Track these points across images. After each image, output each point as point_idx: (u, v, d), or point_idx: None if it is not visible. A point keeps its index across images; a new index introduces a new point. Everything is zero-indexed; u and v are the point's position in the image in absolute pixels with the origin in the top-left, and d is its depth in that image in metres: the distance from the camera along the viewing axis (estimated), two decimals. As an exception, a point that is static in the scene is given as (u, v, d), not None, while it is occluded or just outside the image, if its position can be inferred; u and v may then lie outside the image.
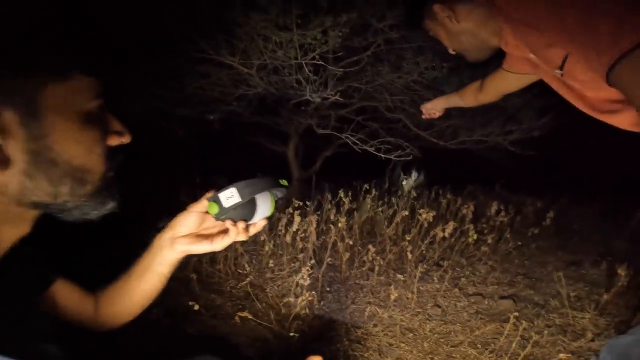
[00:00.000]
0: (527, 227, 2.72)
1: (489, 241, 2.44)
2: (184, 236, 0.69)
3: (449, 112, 2.66)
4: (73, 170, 0.46)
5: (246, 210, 0.67)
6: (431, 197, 3.12)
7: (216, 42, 1.46)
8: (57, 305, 0.68)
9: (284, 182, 0.71)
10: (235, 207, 0.64)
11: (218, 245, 0.69)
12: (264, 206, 0.69)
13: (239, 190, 0.64)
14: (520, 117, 2.52)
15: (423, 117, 1.74)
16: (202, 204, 0.69)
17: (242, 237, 0.68)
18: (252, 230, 0.70)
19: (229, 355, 1.03)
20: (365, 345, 1.52)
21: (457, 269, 2.29)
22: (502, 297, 1.96)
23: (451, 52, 1.12)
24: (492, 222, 2.71)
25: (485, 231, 2.56)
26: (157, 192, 2.42)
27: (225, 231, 0.69)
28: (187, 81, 1.78)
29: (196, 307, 1.44)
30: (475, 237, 2.38)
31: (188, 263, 1.81)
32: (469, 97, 1.50)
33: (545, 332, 1.63)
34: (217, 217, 0.66)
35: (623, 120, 0.80)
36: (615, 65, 0.62)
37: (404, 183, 2.72)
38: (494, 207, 2.74)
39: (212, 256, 1.94)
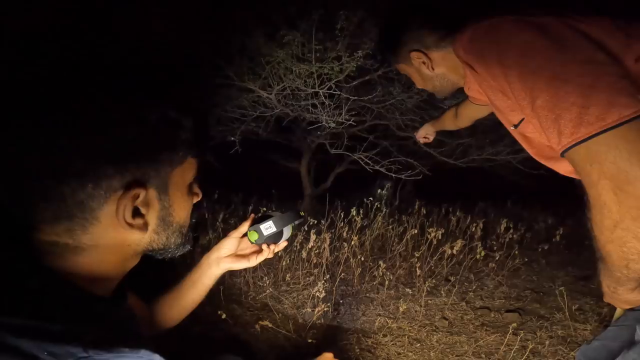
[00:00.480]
0: (537, 243, 2.77)
1: (497, 257, 2.50)
2: (226, 256, 0.88)
3: (459, 132, 2.77)
4: (180, 227, 0.61)
5: (277, 236, 0.88)
6: (441, 215, 3.20)
7: (240, 69, 1.62)
8: None
9: (302, 213, 0.95)
10: (271, 235, 0.85)
11: (253, 262, 0.89)
12: (287, 232, 0.91)
13: (275, 223, 0.86)
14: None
15: (419, 142, 1.78)
16: (239, 231, 0.89)
17: (270, 256, 0.89)
18: (277, 250, 0.92)
19: (251, 359, 1.13)
20: (374, 353, 1.60)
21: (465, 283, 2.34)
22: (508, 311, 2.01)
23: (419, 87, 1.16)
24: (501, 240, 2.77)
25: (495, 248, 2.62)
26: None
27: (258, 251, 0.90)
28: (211, 103, 1.94)
29: (223, 316, 1.54)
30: (482, 254, 2.45)
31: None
32: (448, 123, 1.54)
33: (547, 342, 1.69)
34: (255, 242, 0.87)
35: (565, 167, 0.84)
36: (572, 147, 0.66)
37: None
38: (503, 225, 2.81)
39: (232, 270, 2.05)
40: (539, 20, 0.73)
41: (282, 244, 0.92)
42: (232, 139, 2.19)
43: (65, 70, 0.63)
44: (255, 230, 0.85)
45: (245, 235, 0.89)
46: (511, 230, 2.73)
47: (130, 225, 0.52)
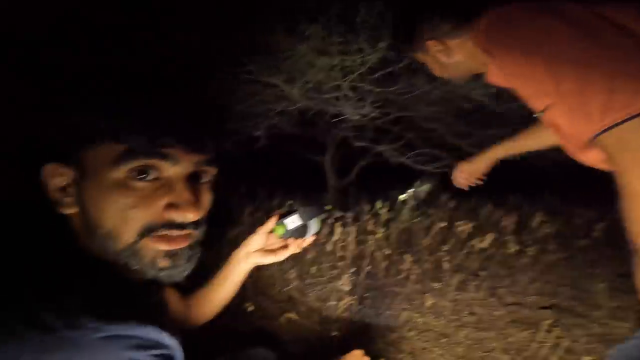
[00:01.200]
0: (575, 238, 2.64)
1: (532, 252, 2.40)
2: (255, 251, 0.90)
3: (488, 121, 2.66)
4: (106, 231, 0.51)
5: (302, 230, 0.89)
6: (470, 208, 3.11)
7: (263, 65, 1.63)
8: None
9: (328, 207, 0.93)
10: (296, 229, 0.87)
11: (281, 257, 0.91)
12: (313, 226, 0.91)
13: (300, 216, 0.87)
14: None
15: (456, 184, 1.56)
16: (266, 227, 0.90)
17: (298, 250, 0.91)
18: (304, 244, 0.93)
19: (278, 351, 1.16)
20: (399, 348, 1.59)
21: (496, 279, 2.27)
22: (542, 307, 1.94)
23: (437, 75, 1.13)
24: (536, 234, 2.66)
25: (529, 242, 2.52)
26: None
27: (285, 246, 0.91)
28: (234, 99, 1.96)
29: (251, 308, 1.58)
30: (515, 248, 2.36)
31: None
32: (522, 145, 1.34)
33: (583, 340, 1.62)
34: (282, 237, 0.88)
35: (594, 157, 0.81)
36: (601, 134, 0.65)
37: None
38: (538, 218, 2.69)
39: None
40: (560, 5, 0.71)
41: (310, 238, 0.93)
42: (257, 133, 2.22)
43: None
44: (280, 225, 0.87)
45: (272, 230, 0.91)
46: (547, 224, 2.61)
47: (55, 199, 0.52)
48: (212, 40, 1.39)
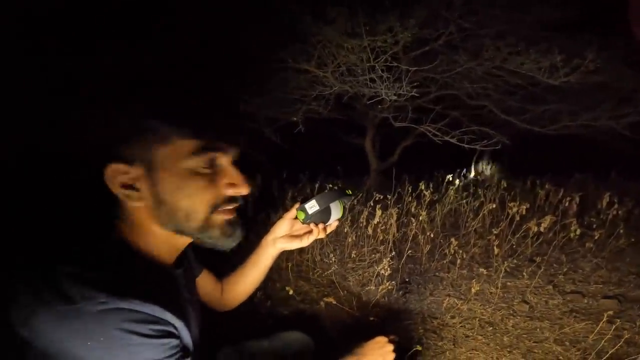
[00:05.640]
0: (648, 222, 2.35)
1: (597, 237, 2.19)
2: (282, 237, 0.94)
3: (544, 96, 2.42)
4: (185, 212, 0.61)
5: (324, 215, 0.91)
6: (526, 188, 2.88)
7: (293, 51, 1.61)
8: (200, 290, 0.92)
9: (349, 192, 0.93)
10: (316, 213, 0.88)
11: (305, 242, 0.94)
12: (336, 211, 0.92)
13: (317, 201, 0.88)
14: (637, 98, 2.16)
15: None
16: (291, 213, 0.94)
17: (322, 235, 0.92)
18: (329, 230, 0.94)
19: (315, 335, 1.19)
20: (440, 335, 1.55)
21: (555, 265, 2.11)
22: (605, 297, 1.77)
23: None
24: (602, 216, 2.41)
25: (594, 226, 2.29)
26: (252, 188, 2.73)
27: (310, 231, 0.93)
28: (271, 87, 1.98)
29: (290, 292, 1.64)
30: (578, 232, 2.16)
31: (282, 253, 2.05)
32: None
33: (648, 333, 1.45)
34: (304, 222, 0.91)
35: None
36: None
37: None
38: (605, 199, 2.43)
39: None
40: None
41: (334, 223, 0.94)
42: (295, 119, 2.23)
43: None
44: (301, 210, 0.89)
45: (296, 217, 0.93)
46: (616, 206, 2.35)
47: (124, 196, 0.60)
48: (240, 32, 1.40)
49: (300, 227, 0.96)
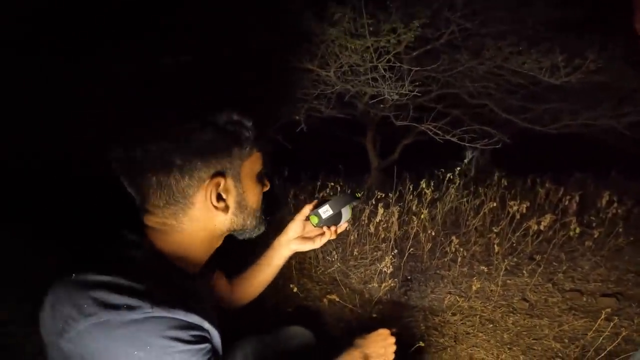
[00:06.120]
0: (647, 221, 2.37)
1: (597, 235, 2.21)
2: (295, 239, 0.98)
3: (545, 95, 2.43)
4: (253, 210, 0.73)
5: (336, 218, 0.95)
6: (526, 187, 2.90)
7: (297, 51, 1.62)
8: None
9: (359, 195, 0.99)
10: (329, 217, 0.93)
11: (318, 244, 0.98)
12: (346, 213, 0.97)
13: (331, 206, 0.93)
14: (638, 97, 2.18)
15: None
16: (302, 214, 0.97)
17: (333, 237, 0.97)
18: (339, 231, 0.99)
19: (318, 331, 1.21)
20: (441, 332, 1.57)
21: (554, 263, 2.13)
22: (604, 295, 1.79)
23: None
24: (602, 215, 2.42)
25: (593, 224, 2.31)
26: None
27: (322, 234, 0.97)
28: (274, 86, 1.99)
29: (294, 290, 1.65)
30: (577, 230, 2.18)
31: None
32: None
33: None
34: (317, 225, 0.95)
35: None
36: None
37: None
38: (605, 198, 2.44)
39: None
40: None
41: (344, 225, 0.98)
42: (297, 117, 2.24)
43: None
44: (315, 215, 0.93)
45: (307, 219, 0.95)
46: (615, 205, 2.37)
47: (216, 208, 0.67)
48: (247, 32, 1.41)
49: (311, 229, 0.99)
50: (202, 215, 0.67)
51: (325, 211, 0.93)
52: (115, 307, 0.52)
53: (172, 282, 0.63)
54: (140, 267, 0.60)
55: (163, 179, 0.62)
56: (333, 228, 0.95)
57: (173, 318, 0.56)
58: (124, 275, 0.56)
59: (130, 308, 0.53)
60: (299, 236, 0.98)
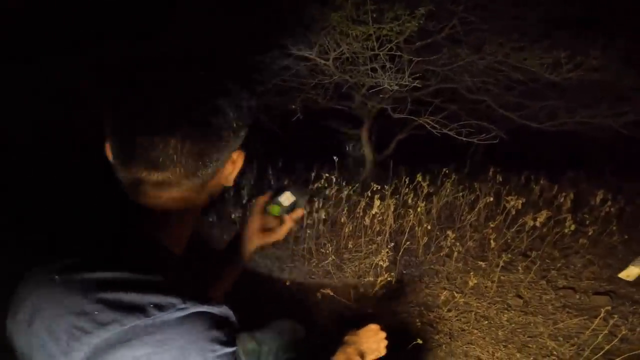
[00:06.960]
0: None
1: (590, 233, 2.21)
2: (257, 234, 0.91)
3: (543, 92, 2.42)
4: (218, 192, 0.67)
5: (294, 206, 0.93)
6: (521, 183, 2.90)
7: (295, 37, 1.57)
8: None
9: (307, 188, 0.93)
10: (290, 205, 0.91)
11: (282, 234, 0.89)
12: (302, 201, 0.94)
13: (292, 193, 0.91)
14: (636, 97, 2.17)
15: None
16: (259, 207, 0.91)
17: (297, 225, 0.90)
18: (295, 217, 0.91)
19: (311, 326, 1.18)
20: (436, 328, 1.55)
21: (548, 260, 2.13)
22: (597, 293, 1.80)
23: None
24: (595, 213, 2.43)
25: (587, 222, 2.31)
26: (247, 176, 2.69)
27: (281, 224, 0.91)
28: (268, 74, 1.94)
29: (288, 283, 1.63)
30: (572, 228, 2.18)
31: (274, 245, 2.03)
32: None
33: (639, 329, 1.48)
34: (279, 214, 0.91)
35: None
36: None
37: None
38: (599, 196, 2.45)
39: (297, 236, 2.12)
40: None
41: (300, 211, 0.94)
42: (293, 107, 2.19)
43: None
44: (276, 204, 0.91)
45: (267, 211, 0.92)
46: (609, 203, 2.38)
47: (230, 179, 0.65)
48: (247, 17, 1.36)
49: (270, 220, 0.93)
50: (219, 182, 0.64)
51: (287, 199, 0.91)
52: (140, 309, 0.43)
53: (181, 270, 0.54)
54: (151, 259, 0.51)
55: (229, 137, 0.60)
56: (292, 216, 0.91)
57: (209, 313, 0.47)
58: (132, 267, 0.47)
59: (159, 307, 0.43)
60: (260, 229, 0.92)
